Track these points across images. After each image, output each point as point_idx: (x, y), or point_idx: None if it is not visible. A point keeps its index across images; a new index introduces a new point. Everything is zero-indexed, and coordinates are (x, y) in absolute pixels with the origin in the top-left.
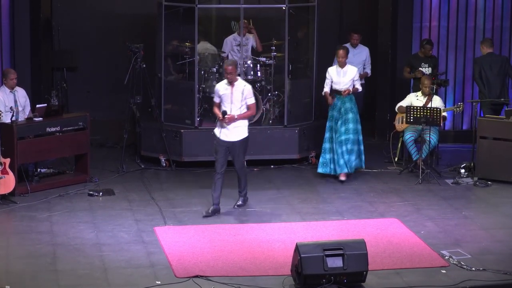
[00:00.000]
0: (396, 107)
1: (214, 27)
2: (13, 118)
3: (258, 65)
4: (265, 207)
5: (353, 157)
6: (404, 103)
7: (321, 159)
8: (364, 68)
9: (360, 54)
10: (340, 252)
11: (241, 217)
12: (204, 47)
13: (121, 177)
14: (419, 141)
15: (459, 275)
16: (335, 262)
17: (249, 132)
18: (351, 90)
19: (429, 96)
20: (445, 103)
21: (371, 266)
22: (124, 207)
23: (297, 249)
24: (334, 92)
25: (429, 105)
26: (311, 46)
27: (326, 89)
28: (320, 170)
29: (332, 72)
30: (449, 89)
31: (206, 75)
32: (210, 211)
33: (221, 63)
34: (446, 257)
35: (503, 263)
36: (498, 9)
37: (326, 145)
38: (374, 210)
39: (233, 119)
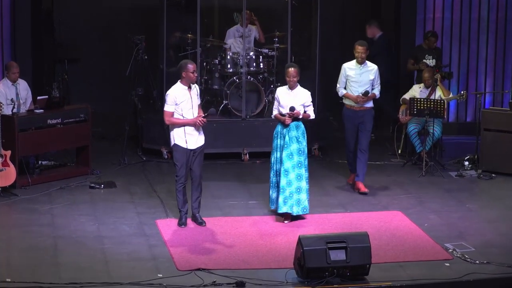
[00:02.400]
0: (401, 99)
1: (217, 18)
2: (14, 111)
3: (261, 56)
4: (267, 200)
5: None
6: (408, 95)
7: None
8: (372, 89)
9: (368, 72)
10: (343, 245)
11: (243, 209)
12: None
13: (122, 169)
14: (422, 133)
15: (463, 268)
16: (338, 255)
17: None
18: (301, 114)
19: (432, 88)
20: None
21: (374, 259)
22: (126, 199)
23: (300, 242)
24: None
25: (432, 97)
26: (314, 38)
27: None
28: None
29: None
30: (453, 81)
31: (208, 66)
32: (184, 221)
33: (223, 55)
34: (450, 250)
35: (507, 256)
36: (502, 0)
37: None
38: (377, 202)
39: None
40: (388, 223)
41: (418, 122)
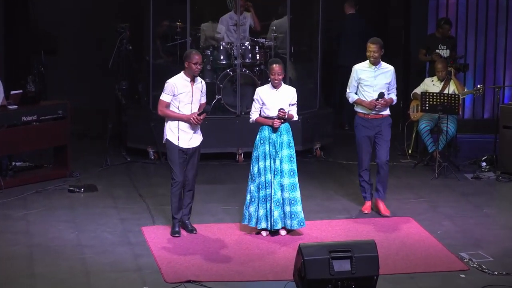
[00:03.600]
0: (411, 93)
1: (208, 4)
2: None
3: (257, 47)
4: None
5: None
6: (419, 89)
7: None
8: (388, 93)
9: (383, 75)
10: (348, 254)
11: (237, 215)
12: (210, 29)
13: (105, 171)
14: (435, 131)
15: (480, 280)
16: (342, 266)
17: None
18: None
19: (446, 81)
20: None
21: (382, 270)
22: (108, 204)
23: (300, 251)
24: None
25: (446, 91)
26: (315, 27)
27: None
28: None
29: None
30: (469, 74)
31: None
32: (178, 229)
33: (216, 45)
34: (466, 260)
35: None
36: None
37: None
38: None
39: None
40: (398, 230)
41: (431, 119)
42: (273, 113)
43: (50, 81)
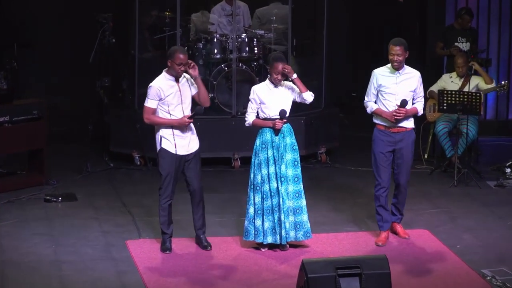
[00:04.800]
0: (427, 92)
1: None
2: None
3: (255, 39)
4: None
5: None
6: (436, 87)
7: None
8: (413, 102)
9: (408, 81)
10: (357, 271)
11: (233, 228)
12: (201, 20)
13: (85, 178)
14: (454, 133)
15: None
16: (350, 284)
17: None
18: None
19: (466, 78)
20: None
21: None
22: (89, 215)
23: (303, 267)
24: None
25: (466, 89)
26: (320, 17)
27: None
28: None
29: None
30: (492, 70)
31: (191, 51)
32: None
33: (209, 38)
34: (488, 278)
35: None
36: None
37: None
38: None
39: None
40: (412, 244)
41: (449, 120)
42: (274, 113)
43: (24, 77)
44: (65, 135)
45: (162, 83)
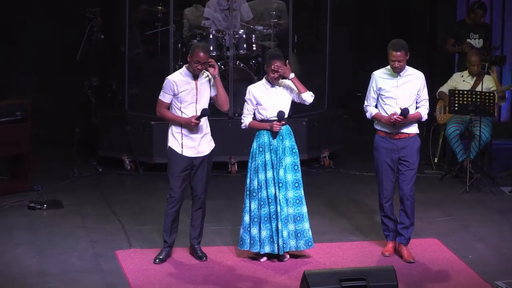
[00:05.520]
0: (437, 92)
1: None
2: None
3: (253, 35)
4: None
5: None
6: (446, 87)
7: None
8: (417, 107)
9: (410, 84)
10: (363, 283)
11: (230, 236)
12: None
13: (72, 184)
14: (466, 136)
15: None
16: None
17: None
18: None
19: (479, 76)
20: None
21: None
22: (76, 224)
23: (305, 279)
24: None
25: (478, 88)
26: (323, 11)
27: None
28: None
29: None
30: (506, 68)
31: (184, 49)
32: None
33: (204, 34)
34: None
35: None
36: None
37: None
38: None
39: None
40: (422, 254)
41: (460, 122)
42: (271, 114)
43: (6, 76)
44: (50, 138)
45: (177, 78)
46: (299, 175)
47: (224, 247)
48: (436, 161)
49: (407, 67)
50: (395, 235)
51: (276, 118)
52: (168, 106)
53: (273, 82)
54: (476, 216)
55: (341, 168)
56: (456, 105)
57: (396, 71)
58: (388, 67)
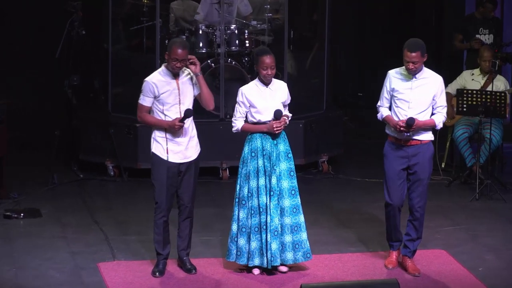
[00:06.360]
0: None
1: None
2: None
3: (246, 31)
4: None
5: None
6: (455, 84)
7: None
8: (432, 113)
9: (425, 87)
10: None
11: (220, 248)
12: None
13: (51, 191)
14: (475, 139)
15: None
16: None
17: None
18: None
19: (490, 75)
20: (511, 84)
21: None
22: (56, 234)
23: None
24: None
25: (489, 88)
26: (321, 5)
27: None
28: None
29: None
30: None
31: None
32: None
33: (193, 29)
34: None
35: None
36: None
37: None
38: None
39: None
40: (428, 267)
41: (469, 124)
42: (267, 117)
43: None
44: (28, 142)
45: (157, 79)
46: (295, 181)
47: (215, 259)
48: (443, 166)
49: (425, 68)
50: (400, 245)
51: (272, 120)
52: (149, 110)
53: (267, 81)
54: (486, 226)
55: (341, 174)
56: (465, 105)
57: (411, 73)
58: (404, 67)
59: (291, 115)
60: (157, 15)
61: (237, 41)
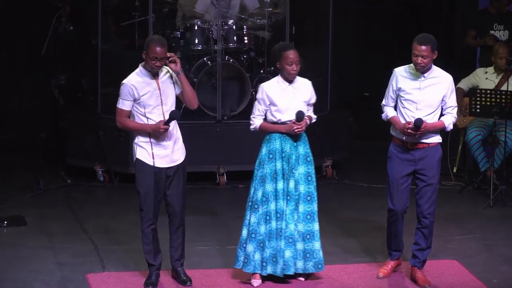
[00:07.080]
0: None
1: None
2: None
3: (245, 27)
4: None
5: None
6: (466, 81)
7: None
8: (442, 114)
9: (435, 86)
10: None
11: (217, 258)
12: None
13: (36, 197)
14: (489, 142)
15: None
16: None
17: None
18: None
19: (505, 73)
20: None
21: None
22: (42, 243)
23: None
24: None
25: (504, 87)
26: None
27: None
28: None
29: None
30: None
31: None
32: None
33: (188, 25)
34: None
35: None
36: None
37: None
38: None
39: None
40: (439, 278)
41: (483, 126)
42: (287, 117)
43: None
44: (12, 145)
45: (135, 80)
46: (312, 187)
47: (211, 270)
48: (455, 170)
49: (434, 67)
50: (399, 255)
51: (294, 120)
52: (129, 115)
53: (291, 78)
54: (501, 234)
55: (346, 179)
56: (478, 106)
57: (419, 69)
58: (412, 65)
59: (316, 116)
60: (150, 10)
61: (235, 38)
